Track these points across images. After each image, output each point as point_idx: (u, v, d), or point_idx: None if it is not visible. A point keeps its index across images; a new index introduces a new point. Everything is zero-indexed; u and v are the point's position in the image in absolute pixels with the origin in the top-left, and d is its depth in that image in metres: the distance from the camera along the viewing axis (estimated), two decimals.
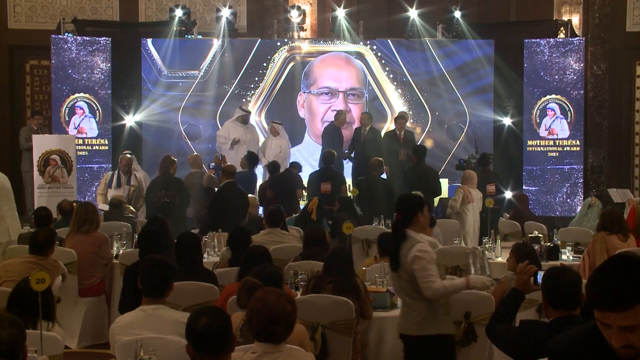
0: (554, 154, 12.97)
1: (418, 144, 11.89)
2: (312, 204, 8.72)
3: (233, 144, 12.14)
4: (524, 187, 12.76)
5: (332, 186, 10.26)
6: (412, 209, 4.54)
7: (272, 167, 10.90)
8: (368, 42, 13.17)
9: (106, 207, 9.68)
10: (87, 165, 12.57)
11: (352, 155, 12.00)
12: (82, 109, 12.65)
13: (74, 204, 8.70)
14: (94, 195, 12.46)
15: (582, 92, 13.02)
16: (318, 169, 10.99)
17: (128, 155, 10.87)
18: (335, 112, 12.47)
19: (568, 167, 12.92)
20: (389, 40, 13.22)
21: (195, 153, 11.85)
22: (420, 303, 4.45)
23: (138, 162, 11.48)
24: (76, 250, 6.86)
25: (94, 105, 12.68)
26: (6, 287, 5.20)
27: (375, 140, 11.92)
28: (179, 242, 5.76)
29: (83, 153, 12.47)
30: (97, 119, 12.70)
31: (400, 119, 12.05)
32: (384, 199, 10.02)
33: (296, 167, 11.11)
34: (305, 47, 13.25)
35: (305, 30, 13.46)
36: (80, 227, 7.06)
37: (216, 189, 10.08)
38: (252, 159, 10.90)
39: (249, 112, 12.48)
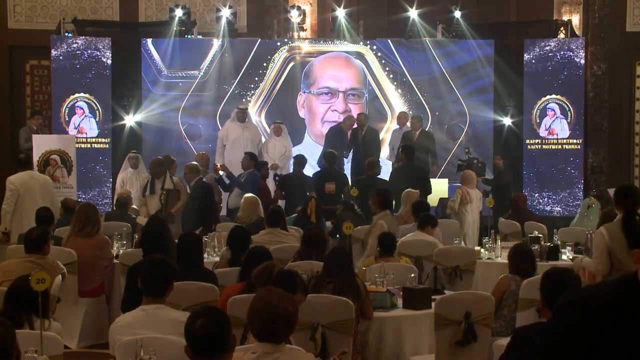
0: (554, 154, 12.96)
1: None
2: (311, 205, 8.72)
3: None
4: (523, 187, 12.76)
5: (336, 186, 10.27)
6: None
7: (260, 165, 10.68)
8: (368, 42, 13.17)
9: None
10: (86, 166, 12.56)
11: (350, 155, 12.02)
12: (82, 109, 12.63)
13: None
14: (110, 192, 12.35)
15: (582, 92, 13.02)
16: (320, 168, 10.94)
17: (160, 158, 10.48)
18: (344, 116, 12.59)
19: (568, 167, 12.92)
20: (389, 40, 13.22)
21: (202, 152, 11.61)
22: None
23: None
24: (77, 253, 6.75)
25: (94, 105, 12.67)
26: (5, 287, 5.19)
27: (374, 140, 11.95)
28: (181, 242, 5.76)
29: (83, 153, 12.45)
30: (97, 119, 12.69)
31: (415, 118, 12.28)
32: None
33: (301, 162, 10.75)
34: (305, 47, 13.25)
35: (305, 30, 13.46)
36: (81, 229, 6.94)
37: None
38: (256, 159, 10.77)
39: (245, 109, 12.41)
